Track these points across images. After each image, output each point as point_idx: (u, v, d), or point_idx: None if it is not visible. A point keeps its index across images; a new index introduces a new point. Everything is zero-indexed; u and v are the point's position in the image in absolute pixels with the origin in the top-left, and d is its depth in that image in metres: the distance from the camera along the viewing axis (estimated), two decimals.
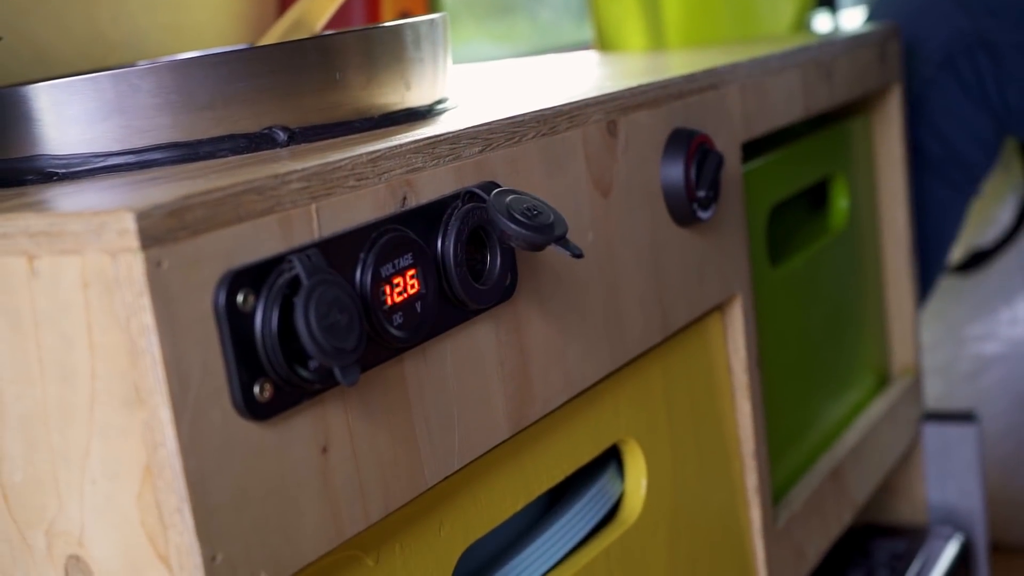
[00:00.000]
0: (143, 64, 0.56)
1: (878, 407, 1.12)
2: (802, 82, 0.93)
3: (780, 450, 0.92)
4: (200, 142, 0.56)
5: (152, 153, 0.55)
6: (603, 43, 1.33)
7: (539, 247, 0.53)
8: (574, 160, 0.64)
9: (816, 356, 1.03)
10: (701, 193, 0.73)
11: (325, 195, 0.47)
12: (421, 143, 0.53)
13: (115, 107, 0.55)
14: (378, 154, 0.50)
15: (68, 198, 0.48)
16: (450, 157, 0.54)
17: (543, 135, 0.61)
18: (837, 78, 1.00)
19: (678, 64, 0.96)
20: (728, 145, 0.80)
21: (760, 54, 0.86)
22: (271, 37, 0.81)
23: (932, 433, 1.22)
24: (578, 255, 0.54)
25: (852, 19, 2.72)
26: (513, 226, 0.52)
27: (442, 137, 0.54)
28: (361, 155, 0.49)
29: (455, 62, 0.72)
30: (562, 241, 0.54)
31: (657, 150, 0.72)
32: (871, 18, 1.31)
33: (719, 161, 0.74)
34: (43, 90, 0.55)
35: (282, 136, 0.57)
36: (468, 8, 2.12)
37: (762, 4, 1.59)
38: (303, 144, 0.58)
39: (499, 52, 2.31)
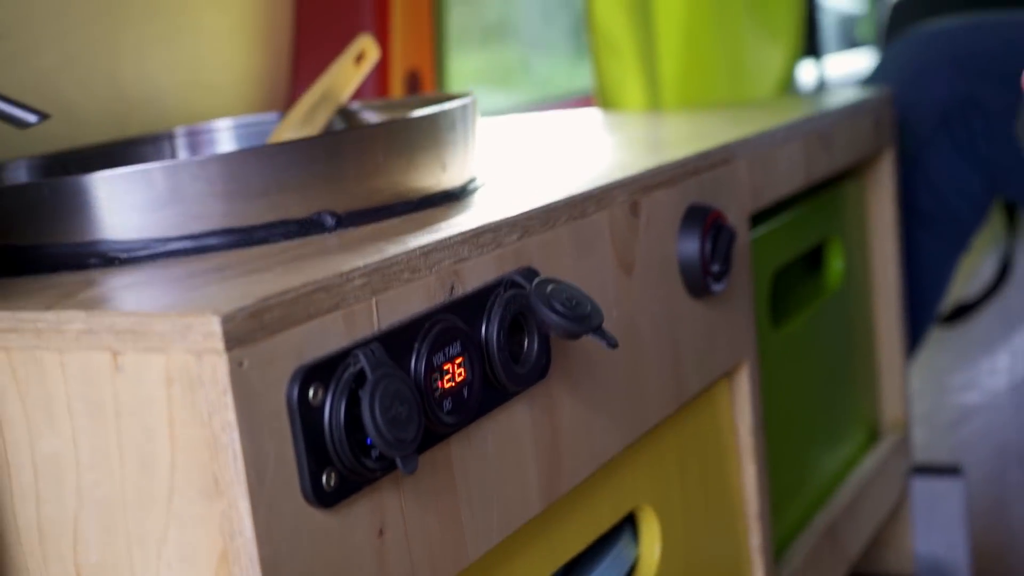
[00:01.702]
0: (202, 156, 0.58)
1: (870, 462, 1.15)
2: (804, 152, 0.96)
3: (779, 507, 0.96)
4: (254, 227, 0.59)
5: (209, 239, 0.58)
6: (604, 100, 1.37)
7: (577, 336, 0.57)
8: (601, 241, 0.67)
9: (812, 412, 1.06)
10: (715, 267, 0.76)
11: (383, 289, 0.50)
12: (467, 234, 0.56)
13: (174, 196, 0.57)
14: (430, 247, 0.53)
15: (141, 291, 0.50)
16: (492, 246, 0.57)
17: (574, 219, 0.64)
18: (836, 146, 1.03)
19: (684, 130, 1.00)
20: (738, 217, 0.83)
21: (766, 127, 0.90)
22: (299, 110, 0.84)
23: (919, 486, 1.26)
24: (613, 345, 0.57)
25: (835, 66, 2.80)
26: (555, 317, 0.55)
27: (485, 228, 0.57)
28: (415, 249, 0.52)
29: None
30: (599, 331, 0.57)
31: (674, 226, 0.75)
32: (869, 81, 1.34)
33: (732, 236, 0.77)
34: (107, 180, 0.58)
35: (330, 221, 0.60)
36: (462, 41, 2.16)
37: (753, 63, 1.64)
38: (349, 228, 0.61)
39: (500, 98, 2.35)
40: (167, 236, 0.58)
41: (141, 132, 1.11)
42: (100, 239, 0.58)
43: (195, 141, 0.88)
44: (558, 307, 0.56)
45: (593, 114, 1.32)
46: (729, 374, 0.85)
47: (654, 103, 1.37)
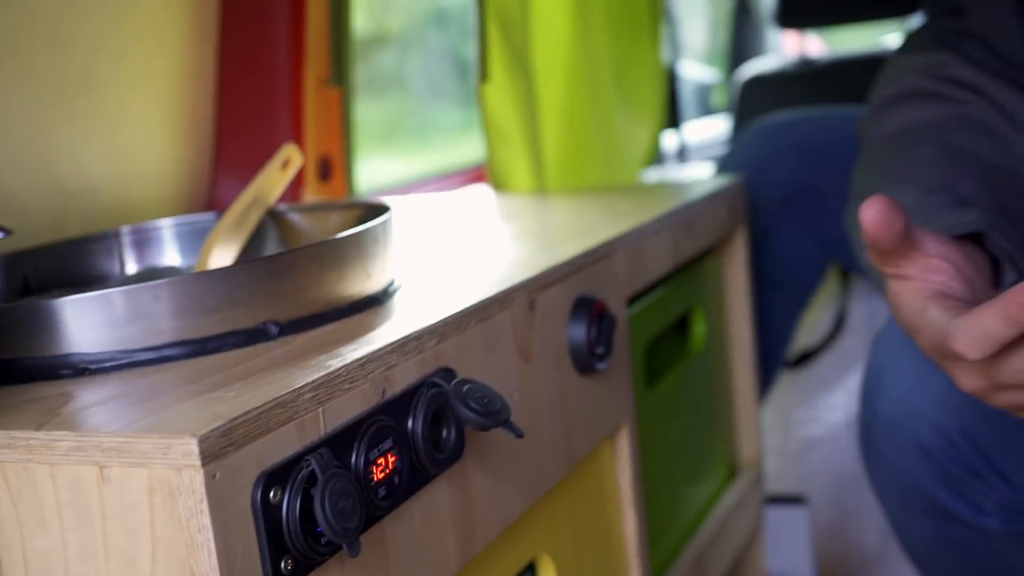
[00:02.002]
0: (160, 281, 0.61)
1: (730, 497, 1.19)
2: (672, 240, 1.01)
3: (654, 542, 0.99)
4: (207, 339, 0.62)
5: (168, 350, 0.61)
6: (495, 181, 1.40)
7: (488, 429, 0.61)
8: (504, 337, 0.71)
9: (681, 456, 1.10)
10: (600, 350, 0.81)
11: (328, 399, 0.54)
12: (395, 344, 0.60)
13: (137, 314, 0.60)
14: (365, 359, 0.57)
15: (120, 407, 0.53)
16: (415, 352, 0.62)
17: (482, 321, 0.68)
18: (698, 231, 1.08)
19: (569, 221, 1.05)
20: (617, 303, 0.88)
21: (640, 221, 0.94)
22: (233, 212, 0.86)
23: (771, 515, 1.31)
24: (520, 436, 0.62)
25: (693, 132, 2.85)
26: (470, 414, 0.60)
27: (409, 337, 0.61)
28: (353, 362, 0.56)
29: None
30: (507, 424, 0.61)
31: (564, 316, 0.80)
32: (722, 169, 1.39)
33: (613, 323, 0.82)
34: (76, 303, 0.60)
35: (274, 330, 0.64)
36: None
37: (624, 141, 1.69)
38: (290, 335, 0.64)
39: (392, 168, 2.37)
40: (131, 348, 0.61)
41: (83, 226, 1.13)
42: (71, 352, 0.61)
43: (140, 239, 0.89)
44: (473, 405, 0.60)
45: (486, 195, 1.36)
46: (611, 435, 0.90)
47: (539, 185, 1.41)
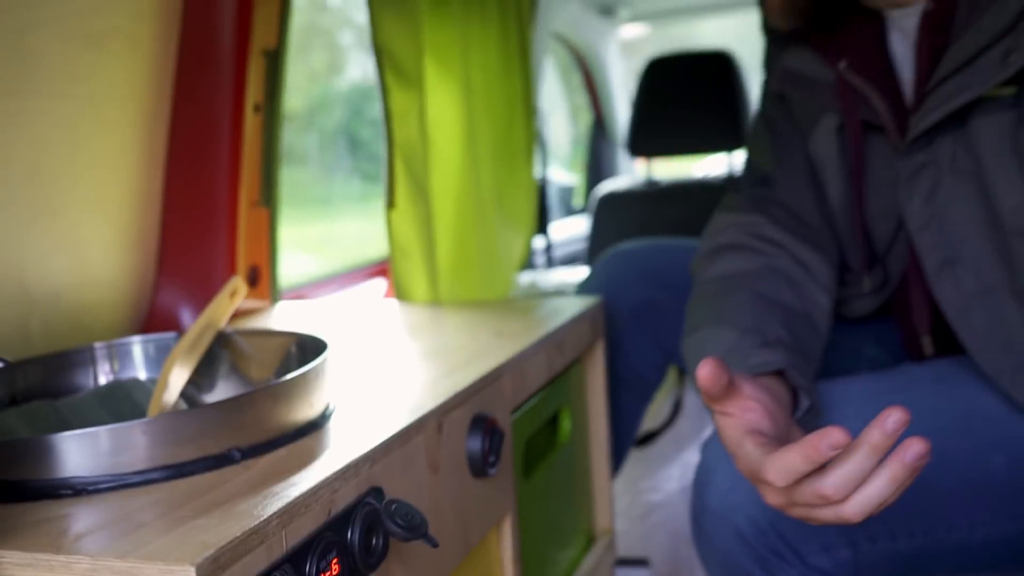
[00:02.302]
0: (149, 419, 0.66)
1: (588, 561, 1.25)
2: (547, 358, 1.09)
3: None
4: (184, 463, 0.67)
5: (152, 473, 0.66)
6: (399, 292, 1.47)
7: (411, 541, 0.68)
8: (419, 455, 0.78)
9: (551, 531, 1.16)
10: (491, 458, 0.88)
11: (289, 522, 0.60)
12: (339, 472, 0.66)
13: (128, 445, 0.65)
14: (317, 487, 0.64)
15: (124, 530, 0.58)
16: (354, 475, 0.68)
17: (403, 444, 0.75)
18: (567, 347, 1.16)
19: (465, 342, 1.11)
20: (503, 417, 0.95)
21: (523, 346, 1.02)
22: (190, 335, 0.91)
23: (622, 574, 1.39)
24: (435, 545, 0.69)
25: (559, 231, 2.93)
26: (397, 529, 0.67)
27: (350, 465, 0.68)
28: (308, 490, 0.63)
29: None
30: (426, 536, 0.68)
31: (464, 432, 0.87)
32: (582, 289, 1.43)
33: (502, 436, 0.90)
34: (76, 437, 0.65)
35: (237, 456, 0.69)
36: None
37: (503, 252, 1.77)
38: (250, 459, 0.70)
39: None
40: (121, 473, 0.66)
41: (44, 329, 1.15)
42: (71, 476, 0.65)
43: (110, 354, 0.93)
44: (399, 522, 0.67)
45: (390, 305, 1.42)
46: (498, 524, 0.96)
47: (434, 295, 1.48)
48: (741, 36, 4.54)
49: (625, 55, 3.26)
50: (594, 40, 2.93)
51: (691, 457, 1.72)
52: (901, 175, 0.99)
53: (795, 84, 1.10)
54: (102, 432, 0.65)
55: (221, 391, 0.92)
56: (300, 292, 1.78)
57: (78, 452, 0.65)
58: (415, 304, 1.42)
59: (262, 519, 0.58)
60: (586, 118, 3.36)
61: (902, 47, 1.02)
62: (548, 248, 2.59)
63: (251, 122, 1.34)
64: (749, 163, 1.24)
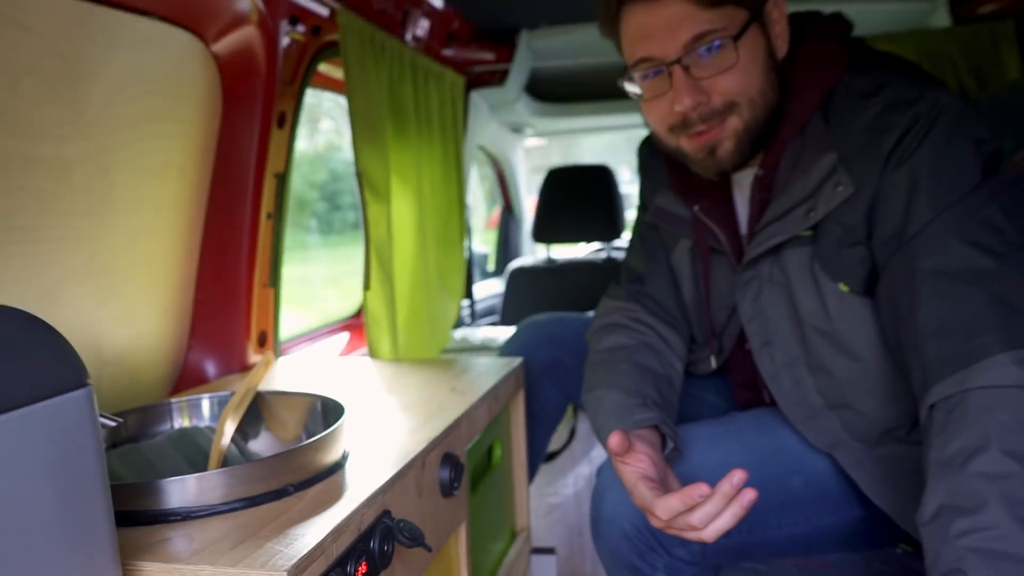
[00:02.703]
0: (235, 467, 0.76)
1: (512, 552, 1.35)
2: (488, 408, 1.20)
3: None
4: (255, 496, 0.78)
5: (236, 504, 0.76)
6: (371, 351, 1.57)
7: (412, 548, 0.80)
8: (411, 485, 0.89)
9: (488, 531, 1.26)
10: (456, 484, 1.00)
11: (337, 537, 0.72)
12: (366, 501, 0.78)
13: (219, 484, 0.76)
14: (353, 513, 0.75)
15: (228, 545, 0.68)
16: (373, 503, 0.80)
17: (401, 478, 0.87)
18: (500, 397, 1.28)
19: (430, 396, 1.22)
20: (461, 453, 1.07)
21: (474, 399, 1.14)
22: (237, 397, 1.00)
23: (535, 560, 1.47)
24: (430, 550, 0.81)
25: (479, 290, 3.03)
26: (404, 540, 0.79)
27: (372, 496, 0.79)
28: (348, 516, 0.74)
29: None
30: (423, 544, 0.80)
31: (437, 466, 0.98)
32: (505, 351, 1.50)
33: (462, 468, 1.02)
34: (186, 480, 0.75)
35: (291, 490, 0.80)
36: None
37: (442, 316, 1.89)
38: (298, 492, 0.81)
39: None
40: (213, 504, 0.76)
41: (111, 382, 1.22)
42: (178, 507, 0.75)
43: (184, 406, 1.02)
44: (406, 535, 0.79)
45: (366, 362, 1.51)
46: (456, 529, 1.07)
47: (396, 354, 1.59)
48: (610, 147, 4.82)
49: (527, 157, 3.44)
50: (506, 149, 3.09)
51: (582, 470, 1.83)
52: (737, 284, 1.14)
53: (663, 217, 1.24)
54: (201, 476, 0.75)
55: (261, 439, 1.02)
56: (287, 345, 1.86)
57: (184, 490, 0.75)
58: (383, 361, 1.52)
59: (323, 537, 0.69)
60: (489, 186, 3.50)
61: (740, 198, 1.16)
62: (472, 306, 2.70)
63: (264, 226, 1.44)
64: (628, 265, 1.37)
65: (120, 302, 1.23)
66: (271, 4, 1.28)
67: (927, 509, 0.80)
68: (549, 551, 1.49)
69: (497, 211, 3.47)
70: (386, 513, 0.81)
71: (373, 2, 1.59)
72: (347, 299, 2.26)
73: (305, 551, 0.66)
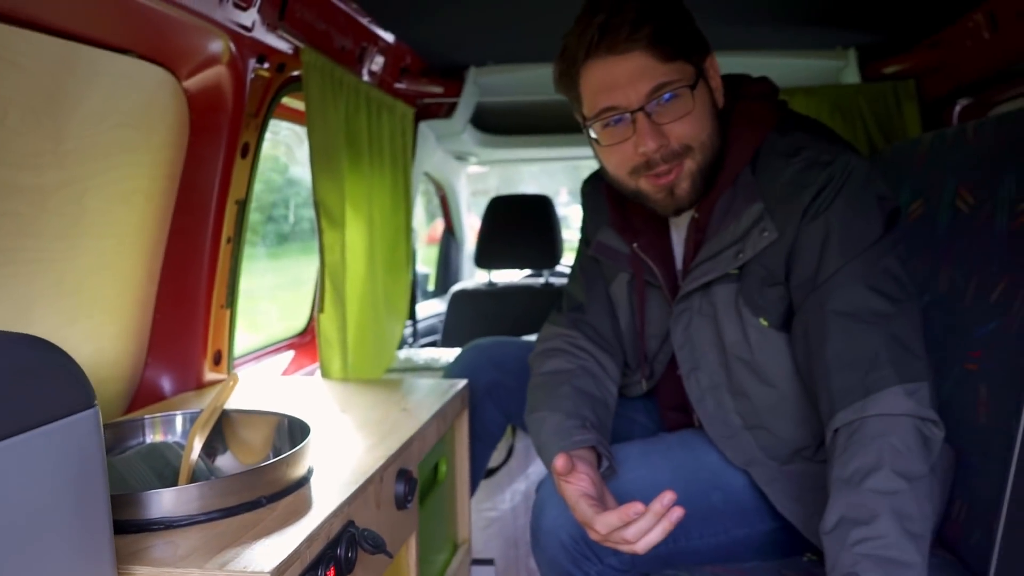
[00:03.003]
0: (213, 480, 0.83)
1: (455, 562, 1.43)
2: (436, 427, 1.28)
3: None
4: (230, 508, 0.84)
5: (214, 514, 0.83)
6: (323, 371, 1.64)
7: (375, 554, 0.88)
8: (371, 498, 0.97)
9: (434, 541, 1.33)
10: (409, 498, 1.08)
11: (311, 544, 0.79)
12: (334, 512, 0.85)
13: (200, 496, 0.82)
14: (323, 522, 0.83)
15: (211, 549, 0.75)
16: (340, 514, 0.87)
17: (362, 492, 0.94)
18: (448, 417, 1.36)
19: (384, 414, 1.29)
20: (414, 468, 1.15)
21: (423, 420, 1.22)
22: (205, 414, 1.06)
23: (475, 572, 1.56)
24: (391, 557, 0.89)
25: (420, 311, 3.08)
26: (368, 547, 0.86)
27: (338, 508, 0.87)
28: (319, 525, 0.82)
29: None
30: (385, 551, 0.88)
31: (393, 481, 1.06)
32: (449, 374, 1.57)
33: (415, 483, 1.10)
34: (166, 493, 0.81)
35: (264, 502, 0.87)
36: None
37: (389, 337, 1.95)
38: (270, 504, 0.88)
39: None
40: (193, 513, 0.82)
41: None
42: (162, 516, 0.81)
43: (154, 423, 1.07)
44: (369, 542, 0.87)
45: (318, 382, 1.58)
46: (407, 538, 1.14)
47: (346, 374, 1.65)
48: (546, 171, 4.98)
49: (468, 181, 3.54)
50: (450, 175, 3.19)
51: (519, 486, 1.92)
52: (672, 315, 1.24)
53: (604, 252, 1.34)
54: (182, 488, 0.82)
55: (226, 455, 1.08)
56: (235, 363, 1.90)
57: (168, 501, 0.81)
58: (334, 380, 1.59)
59: (299, 543, 0.77)
60: (426, 202, 3.58)
61: (677, 237, 1.27)
62: (414, 326, 2.77)
63: (224, 250, 1.50)
64: (569, 293, 1.46)
65: (87, 321, 1.27)
66: (242, 46, 1.35)
67: (829, 520, 0.92)
68: (488, 562, 1.57)
69: (436, 227, 3.56)
70: (351, 523, 0.89)
71: (334, 40, 1.67)
72: (285, 314, 2.30)
73: (285, 555, 0.74)
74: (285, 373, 2.06)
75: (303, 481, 0.94)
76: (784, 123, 1.18)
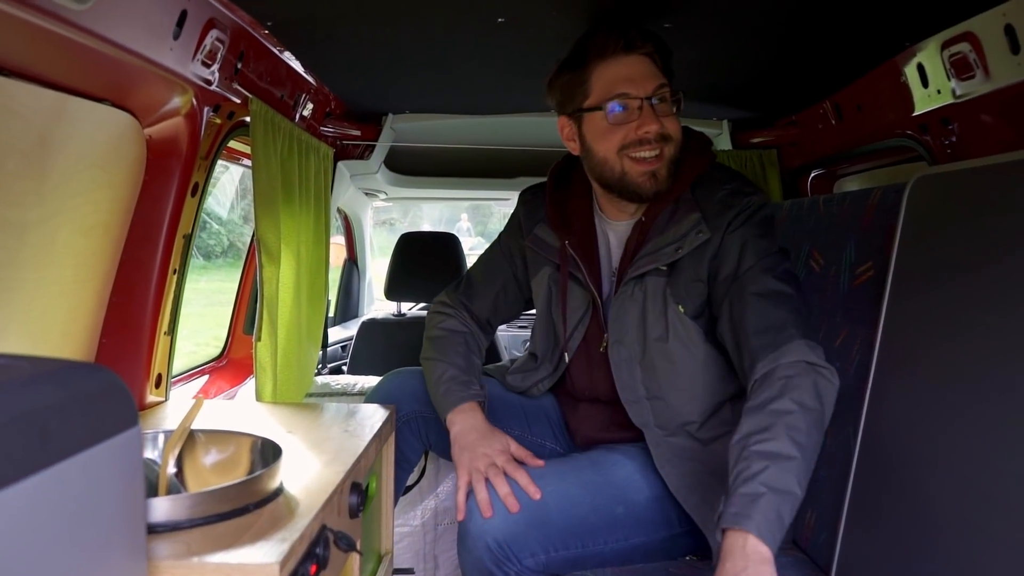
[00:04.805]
0: (211, 488, 0.95)
1: (381, 570, 1.53)
2: (375, 447, 1.43)
3: None
4: (224, 513, 0.96)
5: (211, 518, 0.95)
6: (258, 395, 1.73)
7: (348, 552, 1.01)
8: (334, 507, 1.10)
9: (369, 550, 1.44)
10: (361, 507, 1.21)
11: (300, 543, 0.92)
12: (314, 517, 0.98)
13: (199, 503, 0.94)
14: (304, 525, 0.96)
15: (216, 549, 0.87)
16: (317, 519, 1.00)
17: (329, 502, 1.08)
18: (383, 438, 1.51)
19: (321, 436, 1.41)
20: (362, 481, 1.29)
21: (365, 442, 1.35)
22: (177, 431, 1.15)
23: None
24: (361, 555, 1.02)
25: (343, 327, 3.14)
26: (343, 546, 1.00)
27: (316, 513, 1.00)
28: (306, 528, 0.95)
29: None
30: (355, 548, 1.02)
31: (347, 493, 1.19)
32: (369, 399, 1.67)
33: (365, 495, 1.24)
34: (176, 498, 0.92)
35: (252, 508, 0.99)
36: None
37: (308, 366, 2.06)
38: (257, 510, 1.00)
39: None
40: (193, 518, 0.94)
41: None
42: (164, 520, 0.92)
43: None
44: (343, 541, 1.00)
45: (253, 405, 1.67)
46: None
47: (275, 397, 1.76)
48: (450, 207, 5.16)
49: (373, 213, 3.67)
50: (358, 210, 3.31)
51: (429, 503, 2.05)
52: (613, 300, 1.46)
53: (537, 244, 1.58)
54: (188, 496, 0.93)
55: (192, 470, 1.18)
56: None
57: (174, 507, 0.92)
58: (266, 403, 1.69)
59: (292, 541, 0.90)
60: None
61: (614, 239, 1.52)
62: (324, 352, 2.86)
63: (170, 281, 1.59)
64: (470, 276, 1.72)
65: (46, 345, 1.34)
66: (201, 98, 1.46)
67: (736, 436, 1.18)
68: (409, 571, 1.70)
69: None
70: (324, 526, 1.02)
71: (275, 91, 1.80)
72: (196, 337, 2.36)
73: (287, 550, 0.87)
74: (196, 397, 2.12)
75: (278, 492, 1.06)
76: (715, 164, 1.50)
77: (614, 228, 1.53)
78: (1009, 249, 0.99)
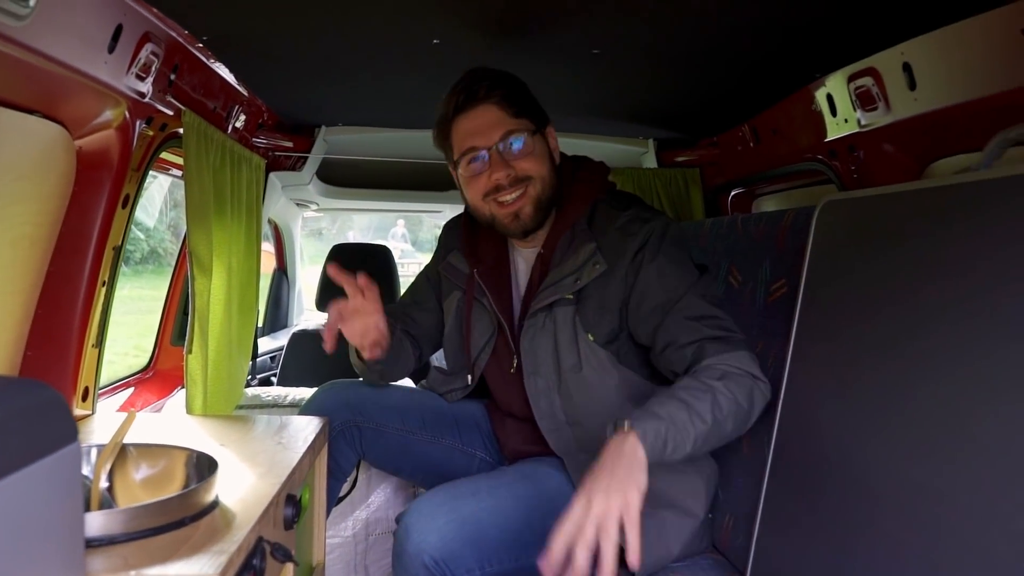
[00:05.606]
0: (149, 502, 0.95)
1: None
2: (309, 459, 1.44)
3: None
4: (162, 526, 0.97)
5: (148, 532, 0.95)
6: (188, 408, 1.71)
7: (285, 563, 1.03)
8: (269, 519, 1.11)
9: (303, 560, 1.45)
10: (296, 519, 1.23)
11: (238, 554, 0.93)
12: (250, 528, 1.00)
13: (136, 516, 0.94)
14: (240, 537, 0.97)
15: (149, 558, 0.88)
16: (254, 531, 1.01)
17: (266, 515, 1.09)
18: (315, 450, 1.51)
19: (256, 449, 1.41)
20: (298, 491, 1.30)
21: (299, 454, 1.37)
22: (110, 445, 1.14)
23: None
24: (297, 565, 1.04)
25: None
26: (279, 557, 1.02)
27: (253, 525, 1.01)
28: (243, 539, 0.96)
29: None
30: (292, 559, 1.03)
31: (282, 505, 1.21)
32: (305, 411, 1.65)
33: (300, 506, 1.25)
34: (113, 512, 0.92)
35: (188, 521, 1.00)
36: None
37: (238, 378, 2.04)
38: (192, 524, 1.00)
39: None
40: (131, 532, 0.94)
41: None
42: (101, 535, 0.92)
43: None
44: (280, 553, 1.02)
45: (183, 417, 1.66)
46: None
47: (204, 409, 1.74)
48: (380, 216, 5.15)
49: (303, 222, 3.65)
50: (289, 220, 3.29)
51: (360, 515, 2.04)
52: (523, 330, 1.51)
53: (448, 270, 1.65)
54: (124, 510, 0.94)
55: (123, 485, 1.17)
56: None
57: (111, 521, 0.92)
58: (197, 416, 1.68)
59: (230, 553, 0.91)
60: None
61: (524, 268, 1.57)
62: (254, 363, 2.83)
63: (98, 293, 1.56)
64: (407, 293, 1.80)
65: None
66: (134, 110, 1.46)
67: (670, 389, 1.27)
68: None
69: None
70: (260, 538, 1.03)
71: (208, 102, 1.79)
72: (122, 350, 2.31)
73: (225, 562, 0.88)
74: (123, 409, 2.08)
75: (214, 504, 1.07)
76: (613, 191, 1.56)
77: (524, 256, 1.60)
78: (906, 271, 1.07)
